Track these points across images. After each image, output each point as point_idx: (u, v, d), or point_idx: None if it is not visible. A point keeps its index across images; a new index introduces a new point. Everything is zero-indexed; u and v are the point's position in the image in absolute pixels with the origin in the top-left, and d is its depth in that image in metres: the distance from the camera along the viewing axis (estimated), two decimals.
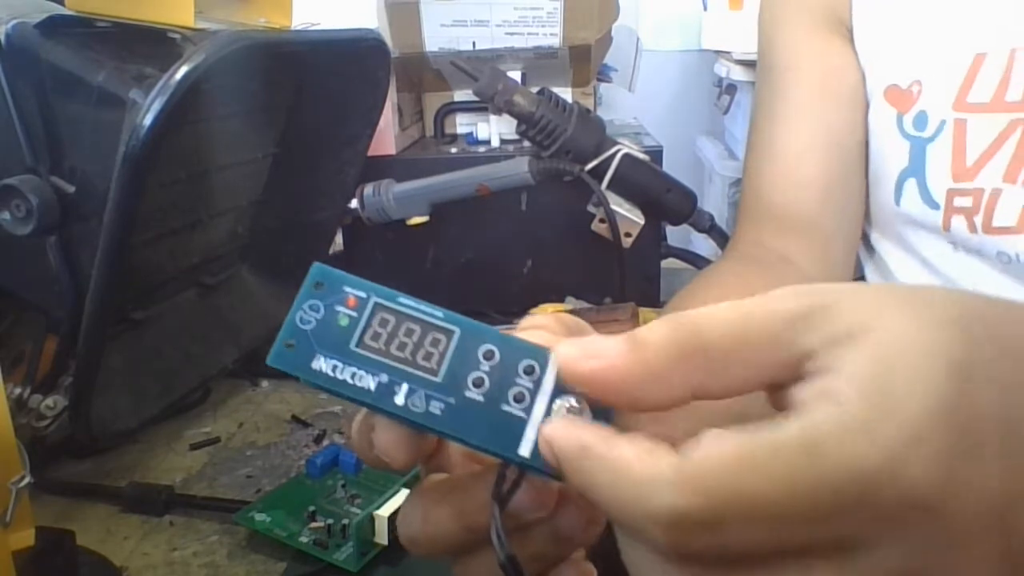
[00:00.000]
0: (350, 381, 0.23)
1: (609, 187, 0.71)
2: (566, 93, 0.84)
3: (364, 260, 0.78)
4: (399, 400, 0.22)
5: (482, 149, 0.80)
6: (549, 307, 0.74)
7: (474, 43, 0.79)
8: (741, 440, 0.18)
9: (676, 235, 0.88)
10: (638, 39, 1.10)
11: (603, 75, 1.03)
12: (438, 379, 0.22)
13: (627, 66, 1.08)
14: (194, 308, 0.64)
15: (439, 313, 0.23)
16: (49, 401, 0.50)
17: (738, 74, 1.48)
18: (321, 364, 0.23)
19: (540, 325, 0.25)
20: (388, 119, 0.74)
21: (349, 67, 0.63)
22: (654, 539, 0.19)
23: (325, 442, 0.58)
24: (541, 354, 0.22)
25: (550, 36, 0.78)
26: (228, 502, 0.49)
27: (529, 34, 0.78)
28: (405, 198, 0.71)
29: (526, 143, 0.74)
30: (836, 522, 0.18)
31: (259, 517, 0.46)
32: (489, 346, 0.23)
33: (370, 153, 0.70)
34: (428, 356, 0.23)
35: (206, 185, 0.60)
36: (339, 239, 0.78)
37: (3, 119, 0.46)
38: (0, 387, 0.35)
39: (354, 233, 0.78)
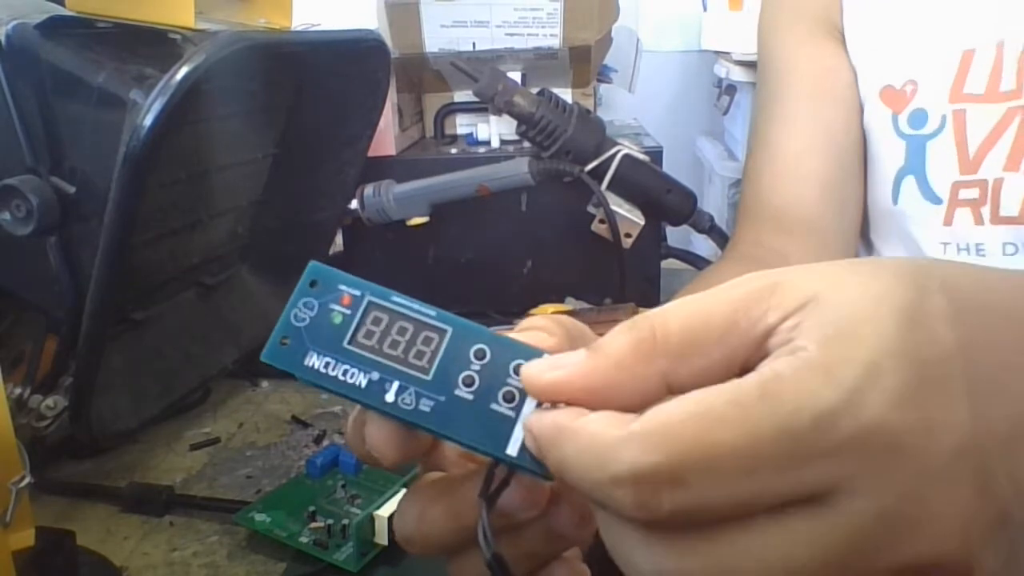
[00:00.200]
0: (341, 378, 0.23)
1: (609, 187, 0.71)
2: (566, 94, 0.84)
3: (364, 260, 0.78)
4: (389, 397, 0.23)
5: (482, 150, 0.80)
6: (549, 307, 0.74)
7: (474, 44, 0.79)
8: (700, 395, 0.19)
9: (676, 235, 0.88)
10: (638, 40, 1.10)
11: (603, 76, 1.03)
12: (428, 377, 0.23)
13: (627, 66, 1.08)
14: (194, 308, 0.64)
15: (432, 312, 0.24)
16: (49, 401, 0.50)
17: (738, 75, 1.48)
18: (314, 361, 0.23)
19: (538, 326, 0.25)
20: (388, 119, 0.74)
21: (349, 67, 0.63)
22: (622, 505, 0.19)
23: (325, 442, 0.58)
24: (533, 354, 0.23)
25: (550, 37, 0.78)
26: (228, 502, 0.49)
27: (529, 35, 0.78)
28: (405, 198, 0.71)
29: (526, 144, 0.74)
30: (803, 467, 0.18)
31: (259, 517, 0.46)
32: (481, 345, 0.23)
33: (370, 153, 0.70)
34: (420, 354, 0.23)
35: (206, 185, 0.60)
36: (339, 239, 0.78)
37: (3, 119, 0.46)
38: (0, 387, 0.35)
39: (354, 233, 0.78)
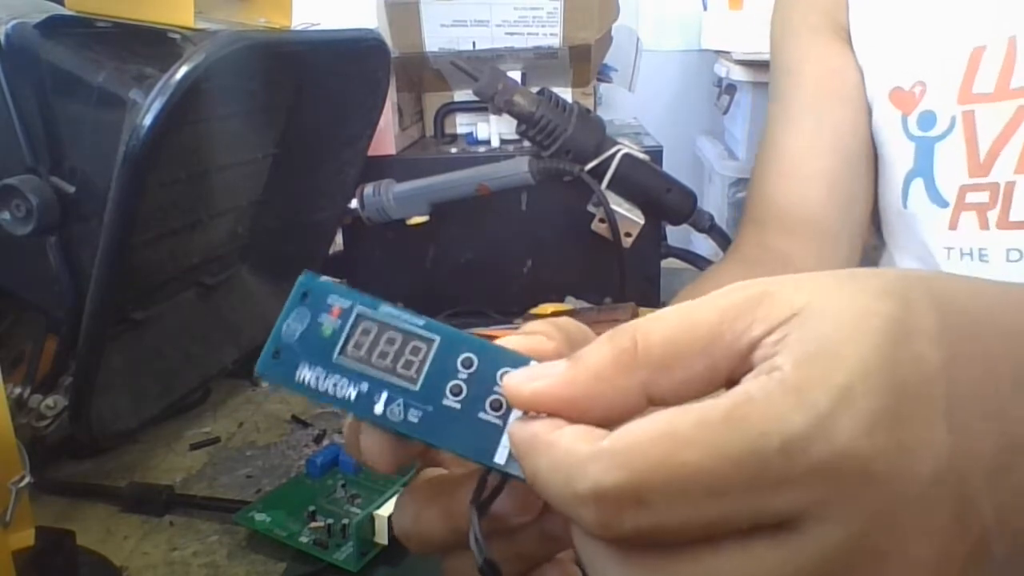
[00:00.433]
0: (331, 391, 0.23)
1: (609, 187, 0.71)
2: (566, 93, 0.84)
3: (364, 260, 0.78)
4: (378, 409, 0.23)
5: (482, 149, 0.80)
6: (549, 307, 0.74)
7: (474, 43, 0.79)
8: (668, 414, 0.18)
9: (676, 235, 0.88)
10: (638, 39, 1.10)
11: (603, 75, 1.03)
12: (416, 388, 0.23)
13: (627, 66, 1.08)
14: (194, 308, 0.64)
15: (420, 322, 0.24)
16: (49, 401, 0.50)
17: (738, 74, 1.48)
18: (305, 374, 0.23)
19: (538, 331, 0.25)
20: (388, 119, 0.74)
21: (349, 67, 0.63)
22: (587, 522, 0.18)
23: (325, 442, 0.58)
24: (520, 362, 0.23)
25: (550, 36, 0.78)
26: (228, 502, 0.49)
27: (529, 34, 0.78)
28: (405, 198, 0.71)
29: (526, 143, 0.74)
30: (769, 493, 0.17)
31: (259, 517, 0.46)
32: (468, 354, 0.23)
33: (370, 153, 0.70)
34: (408, 364, 0.23)
35: (206, 185, 0.60)
36: (339, 239, 0.78)
37: (3, 119, 0.46)
38: (0, 387, 0.35)
39: (354, 233, 0.78)
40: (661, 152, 0.75)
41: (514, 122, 0.72)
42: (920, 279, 0.20)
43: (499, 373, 0.22)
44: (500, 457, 0.22)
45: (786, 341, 0.18)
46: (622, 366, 0.20)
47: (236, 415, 0.63)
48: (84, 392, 0.47)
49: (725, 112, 1.64)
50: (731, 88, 1.59)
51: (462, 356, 0.23)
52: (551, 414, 0.21)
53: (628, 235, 0.72)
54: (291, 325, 0.24)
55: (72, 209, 0.47)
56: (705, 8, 1.57)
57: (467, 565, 0.25)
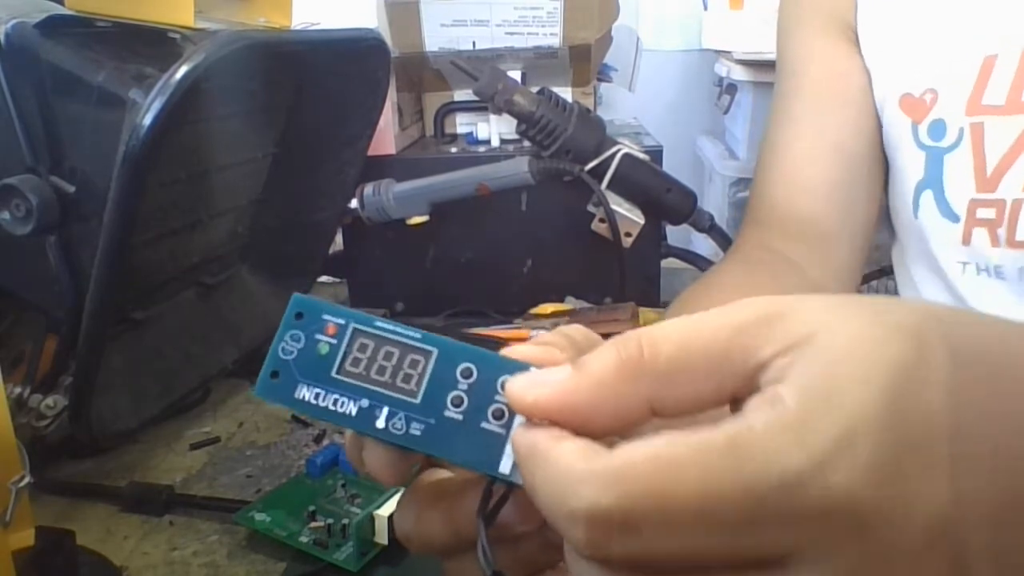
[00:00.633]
0: (332, 408, 0.23)
1: (609, 187, 0.71)
2: (566, 93, 0.84)
3: (364, 260, 0.78)
4: (380, 424, 0.23)
5: (482, 149, 0.80)
6: (549, 306, 0.74)
7: (474, 43, 0.79)
8: (668, 440, 0.18)
9: (676, 235, 0.88)
10: (638, 39, 1.10)
11: (603, 75, 1.03)
12: (417, 401, 0.23)
13: (627, 66, 1.08)
14: (194, 308, 0.64)
15: (417, 335, 0.24)
16: (49, 401, 0.50)
17: (738, 74, 1.48)
18: (304, 393, 0.24)
19: (548, 342, 0.25)
20: (388, 119, 0.74)
21: (349, 67, 0.63)
22: (576, 541, 0.18)
23: (325, 442, 0.58)
24: (519, 369, 0.22)
25: (550, 36, 0.78)
26: (228, 502, 0.49)
27: (529, 34, 0.78)
28: (405, 198, 0.71)
29: (526, 143, 0.74)
30: (761, 531, 0.17)
31: (259, 517, 0.46)
32: (467, 364, 0.23)
33: (370, 153, 0.70)
34: (407, 378, 0.23)
35: (206, 185, 0.60)
36: (339, 239, 0.78)
37: (3, 119, 0.46)
38: (0, 387, 0.35)
39: (354, 233, 0.78)
40: (661, 152, 0.75)
41: (514, 122, 0.72)
42: (937, 318, 0.19)
43: (499, 382, 0.22)
44: (505, 467, 0.22)
45: (793, 367, 0.18)
46: (627, 375, 0.20)
47: (236, 415, 0.63)
48: (84, 392, 0.47)
49: (726, 112, 1.64)
50: (732, 88, 1.59)
51: (461, 366, 0.23)
52: (553, 422, 0.20)
53: (628, 235, 0.72)
54: (287, 345, 0.24)
55: (72, 209, 0.47)
56: (705, 8, 1.57)
57: (468, 567, 0.25)
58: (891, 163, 0.56)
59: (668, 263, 0.83)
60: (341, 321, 0.24)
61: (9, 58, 0.46)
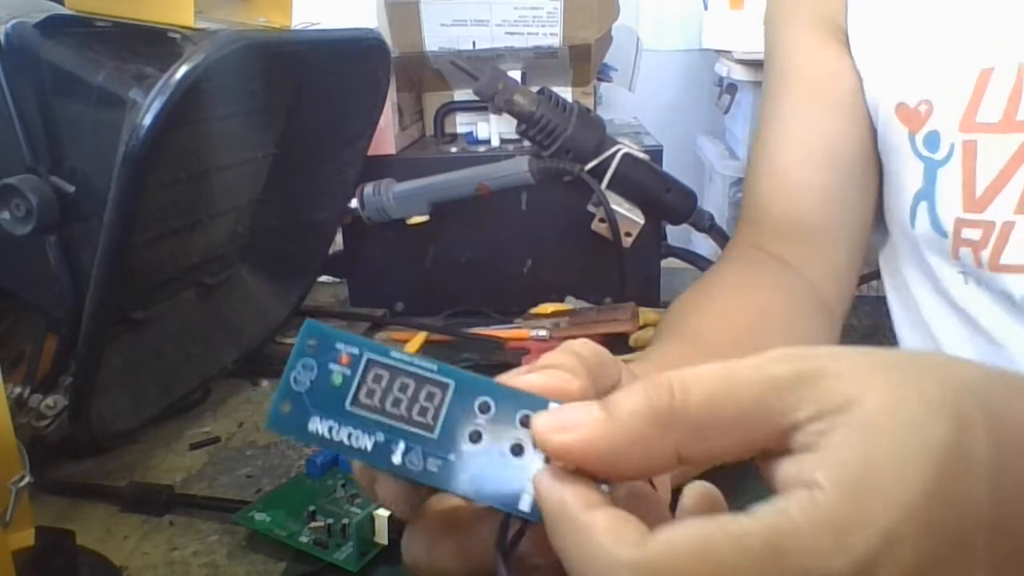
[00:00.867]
0: (347, 442, 0.23)
1: (609, 187, 0.71)
2: (566, 93, 0.84)
3: (364, 260, 0.78)
4: (396, 459, 0.22)
5: (482, 149, 0.80)
6: (549, 306, 0.74)
7: (474, 43, 0.79)
8: (707, 529, 0.18)
9: (676, 235, 0.88)
10: (638, 39, 1.10)
11: (603, 75, 1.03)
12: (434, 436, 0.22)
13: (627, 66, 1.08)
14: (194, 308, 0.64)
15: (433, 367, 0.23)
16: (49, 401, 0.50)
17: (739, 73, 1.48)
18: (317, 426, 0.23)
19: (557, 364, 0.24)
20: (388, 119, 0.74)
21: (349, 67, 0.63)
22: None
23: None
24: (538, 404, 0.22)
25: (550, 36, 0.78)
26: (228, 502, 0.49)
27: (529, 34, 0.78)
28: (405, 198, 0.71)
29: (526, 143, 0.74)
30: None
31: (259, 517, 0.46)
32: (485, 398, 0.22)
33: (370, 153, 0.70)
34: (423, 411, 0.23)
35: (206, 185, 0.60)
36: (339, 239, 0.78)
37: (3, 119, 0.46)
38: (0, 387, 0.35)
39: (354, 233, 0.78)
40: (661, 152, 0.75)
41: (514, 122, 0.72)
42: (973, 392, 0.19)
43: (518, 417, 0.22)
44: (524, 504, 0.21)
45: (828, 437, 0.18)
46: (657, 424, 0.20)
47: (236, 415, 0.63)
48: (84, 392, 0.47)
49: (726, 112, 1.64)
50: (732, 88, 1.58)
51: (479, 401, 0.22)
52: (579, 466, 0.20)
53: (628, 235, 0.72)
54: (300, 375, 0.23)
55: (72, 209, 0.47)
56: (706, 7, 1.57)
57: None
58: (886, 168, 0.55)
59: (668, 263, 0.83)
60: (355, 350, 0.23)
61: (9, 58, 0.46)
